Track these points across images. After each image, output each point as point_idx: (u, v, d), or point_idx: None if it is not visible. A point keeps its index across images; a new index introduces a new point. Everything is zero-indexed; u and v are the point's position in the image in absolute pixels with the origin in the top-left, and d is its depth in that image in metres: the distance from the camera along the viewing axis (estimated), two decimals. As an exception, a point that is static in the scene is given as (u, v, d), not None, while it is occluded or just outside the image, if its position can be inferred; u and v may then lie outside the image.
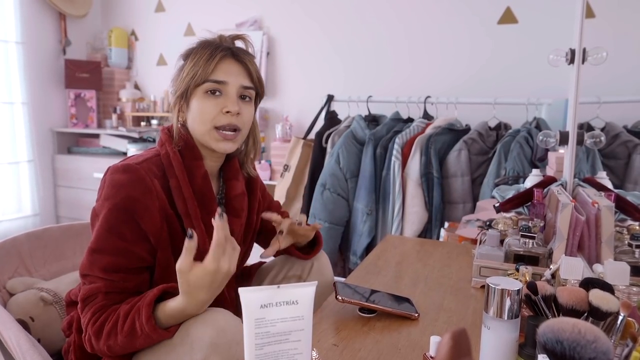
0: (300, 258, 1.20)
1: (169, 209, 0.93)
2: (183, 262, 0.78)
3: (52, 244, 1.31)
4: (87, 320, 0.86)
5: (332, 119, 2.61)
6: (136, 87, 3.62)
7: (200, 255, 0.96)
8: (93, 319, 0.85)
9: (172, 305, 0.82)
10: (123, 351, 0.85)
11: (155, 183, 0.91)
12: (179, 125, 0.98)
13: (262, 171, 2.88)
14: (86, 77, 3.44)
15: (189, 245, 0.78)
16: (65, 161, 3.38)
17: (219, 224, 0.79)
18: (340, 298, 0.95)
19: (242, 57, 0.98)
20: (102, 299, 0.86)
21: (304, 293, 0.62)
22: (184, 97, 0.97)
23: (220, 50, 0.96)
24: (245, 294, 0.60)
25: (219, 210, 0.80)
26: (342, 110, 2.64)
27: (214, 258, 0.79)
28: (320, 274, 1.19)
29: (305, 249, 1.22)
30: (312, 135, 2.63)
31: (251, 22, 3.11)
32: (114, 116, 3.44)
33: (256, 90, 1.02)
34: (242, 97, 0.98)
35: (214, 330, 0.80)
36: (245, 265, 1.22)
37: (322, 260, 1.22)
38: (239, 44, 1.04)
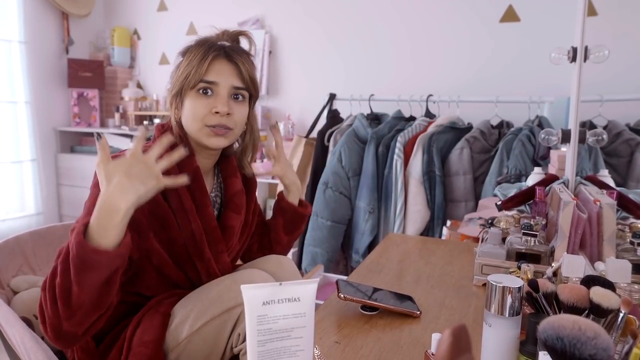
0: (291, 210, 1.20)
1: (162, 202, 0.93)
2: (100, 157, 0.78)
3: (55, 242, 1.32)
4: (43, 296, 0.76)
5: (334, 118, 2.61)
6: (139, 86, 3.63)
7: (201, 257, 0.97)
8: (45, 287, 0.76)
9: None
10: (79, 297, 0.73)
11: None
12: (175, 123, 1.00)
13: (264, 169, 2.88)
14: (89, 76, 3.45)
15: (102, 143, 0.78)
16: (68, 160, 3.39)
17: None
18: (342, 296, 0.95)
19: (234, 57, 0.97)
20: None
21: (306, 290, 0.63)
22: (178, 95, 0.98)
23: (213, 51, 0.95)
24: (248, 290, 0.60)
25: (97, 135, 0.80)
26: (344, 109, 2.64)
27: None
28: None
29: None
30: (314, 134, 2.64)
31: (253, 20, 3.12)
32: (117, 115, 3.45)
33: (249, 91, 1.00)
34: (235, 97, 0.98)
35: (266, 277, 0.92)
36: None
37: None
38: (242, 40, 1.05)
